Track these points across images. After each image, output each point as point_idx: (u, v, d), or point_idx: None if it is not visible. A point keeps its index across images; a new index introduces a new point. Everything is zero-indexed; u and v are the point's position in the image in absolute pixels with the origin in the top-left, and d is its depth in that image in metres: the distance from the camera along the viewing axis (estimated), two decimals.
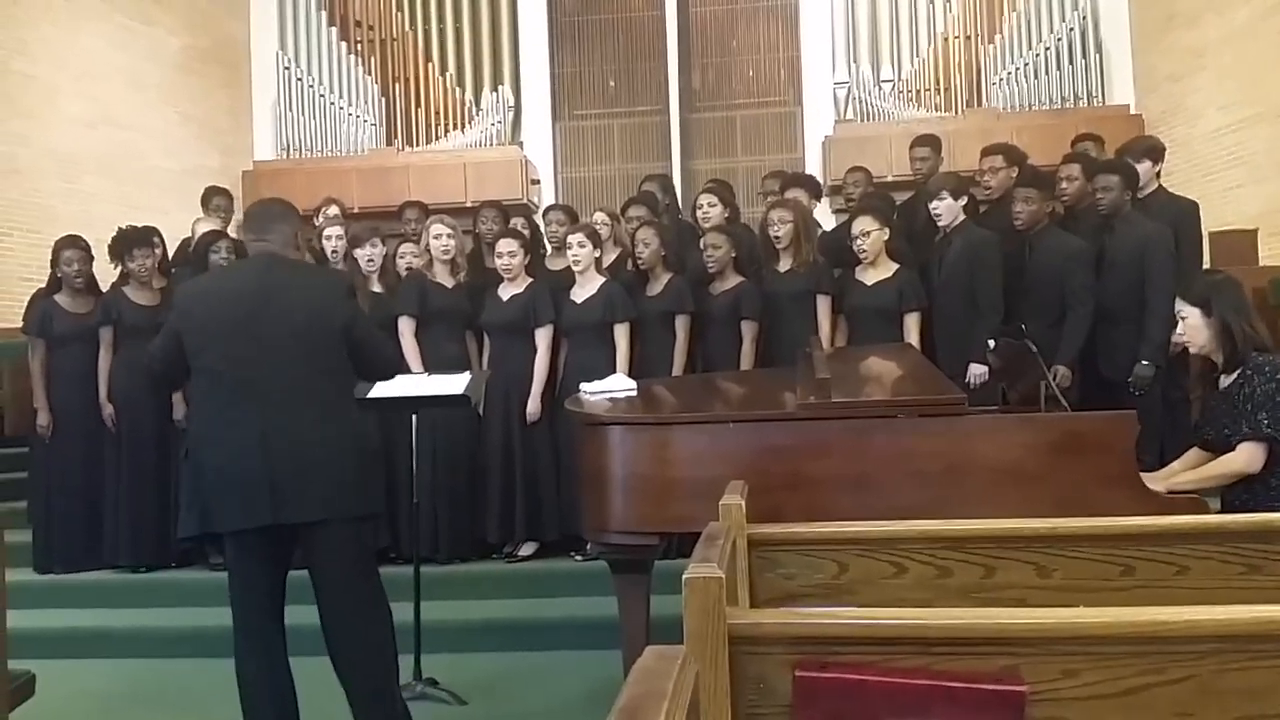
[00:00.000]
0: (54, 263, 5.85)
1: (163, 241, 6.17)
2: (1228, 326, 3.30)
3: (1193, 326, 3.39)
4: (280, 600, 3.43)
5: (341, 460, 3.30)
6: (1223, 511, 3.24)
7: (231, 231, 6.71)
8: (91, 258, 5.89)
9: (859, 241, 5.32)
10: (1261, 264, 6.57)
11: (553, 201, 9.29)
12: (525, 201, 9.66)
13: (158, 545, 5.68)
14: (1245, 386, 3.25)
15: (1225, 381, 3.36)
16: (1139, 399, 4.90)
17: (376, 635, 3.40)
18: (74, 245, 5.84)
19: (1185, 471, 3.39)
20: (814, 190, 6.43)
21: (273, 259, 3.44)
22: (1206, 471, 3.34)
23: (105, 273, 6.04)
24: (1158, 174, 5.57)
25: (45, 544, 5.76)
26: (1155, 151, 5.58)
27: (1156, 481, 3.25)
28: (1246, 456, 3.21)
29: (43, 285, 6.04)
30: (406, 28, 10.73)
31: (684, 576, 1.63)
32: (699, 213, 6.07)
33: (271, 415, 3.24)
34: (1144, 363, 5.05)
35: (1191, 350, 3.49)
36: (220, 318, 3.34)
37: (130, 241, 5.81)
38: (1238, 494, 3.29)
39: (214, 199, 7.18)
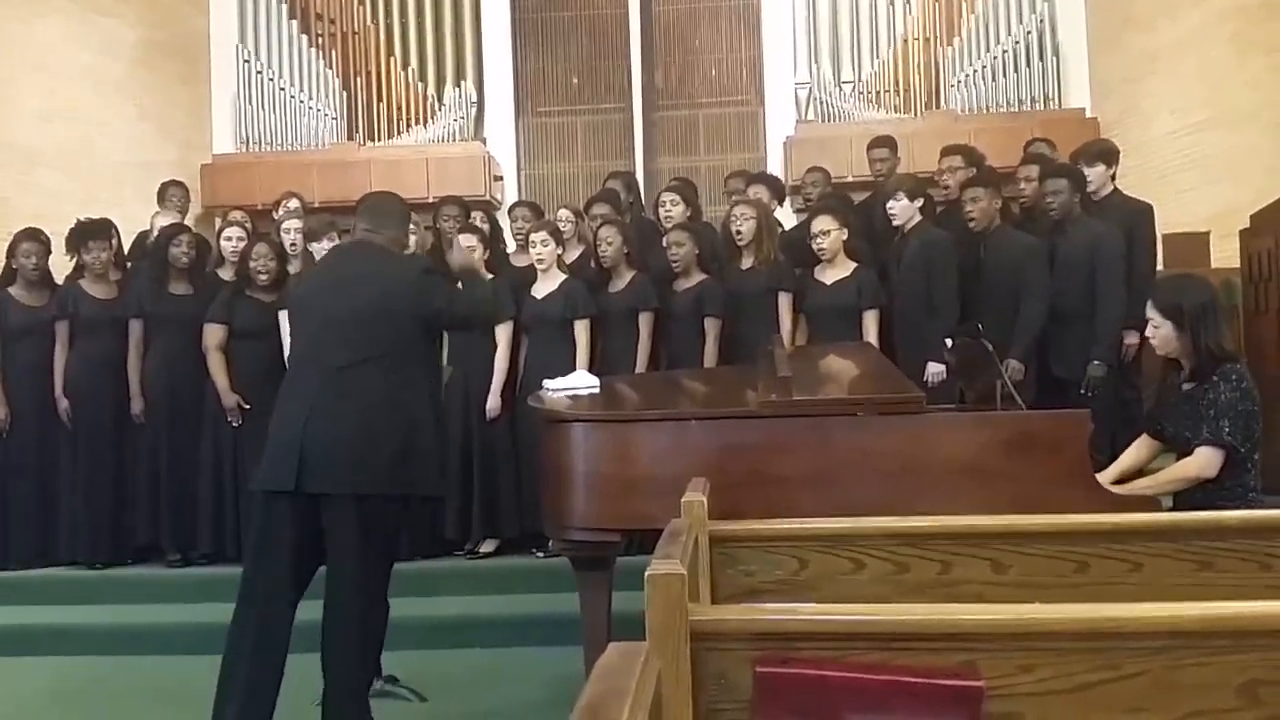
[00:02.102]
0: (9, 255, 5.77)
1: (119, 235, 6.10)
2: (1201, 343, 3.29)
3: (1164, 336, 3.38)
4: (294, 587, 3.48)
5: (369, 441, 3.39)
6: (1175, 509, 3.29)
7: (189, 224, 6.66)
8: (49, 251, 5.81)
9: (818, 240, 5.36)
10: (1214, 266, 6.64)
11: (515, 198, 9.25)
12: (488, 198, 9.61)
13: (114, 541, 5.64)
14: (1210, 392, 3.26)
15: (1189, 386, 3.37)
16: (1092, 398, 4.97)
17: (356, 627, 3.43)
18: (33, 238, 5.76)
19: (1142, 479, 3.43)
20: (777, 190, 6.47)
21: (358, 247, 3.72)
22: (1162, 477, 3.37)
23: (59, 265, 5.97)
24: (1112, 177, 5.64)
25: None
26: (1109, 155, 5.66)
27: (1109, 479, 3.30)
28: (1203, 461, 3.24)
29: None
30: (368, 22, 10.64)
31: (646, 573, 1.64)
32: (661, 211, 6.09)
33: (318, 394, 3.42)
34: (1096, 363, 5.13)
35: (1159, 352, 3.49)
36: (302, 299, 3.70)
37: (87, 234, 5.74)
38: (1192, 494, 3.33)
39: (170, 191, 7.10)
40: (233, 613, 3.47)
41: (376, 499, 3.41)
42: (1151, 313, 3.43)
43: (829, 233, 5.34)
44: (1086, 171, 5.48)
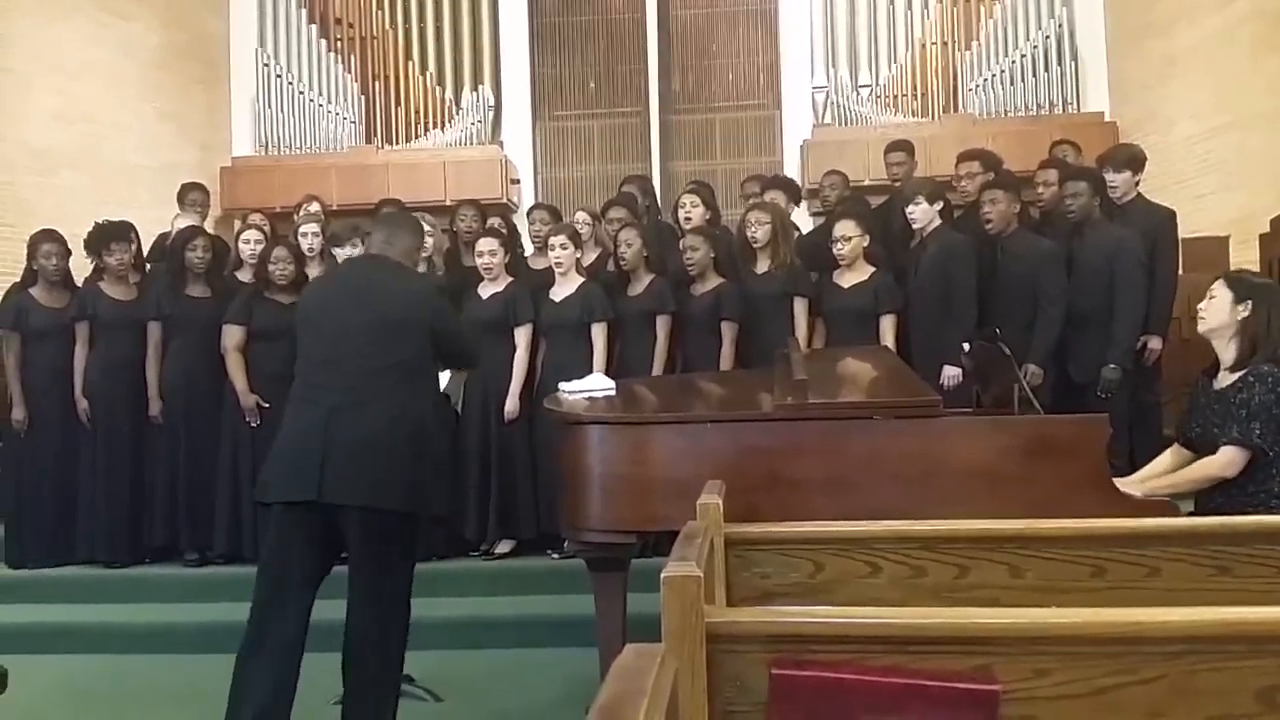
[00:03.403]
0: (30, 256, 5.80)
1: (138, 237, 6.14)
2: (1257, 323, 3.25)
3: (1217, 307, 3.33)
4: (311, 587, 3.48)
5: (390, 454, 3.39)
6: (1196, 513, 3.27)
7: (208, 226, 6.69)
8: (69, 252, 5.84)
9: (839, 245, 5.35)
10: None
11: (532, 201, 9.28)
12: (505, 201, 9.64)
13: (131, 541, 5.67)
14: (1244, 392, 3.23)
15: (1223, 381, 3.33)
16: (1108, 402, 4.95)
17: (376, 631, 3.45)
18: (52, 239, 5.79)
19: (1162, 476, 3.41)
20: (793, 193, 6.47)
21: (374, 260, 3.69)
22: (1184, 475, 3.34)
23: (79, 268, 6.00)
24: (1137, 183, 5.62)
25: (18, 539, 5.72)
26: (1137, 162, 5.63)
27: (1132, 485, 3.27)
28: (1226, 460, 3.22)
29: (14, 279, 5.99)
30: (387, 26, 10.69)
31: (663, 575, 1.65)
32: (681, 212, 6.08)
33: (337, 403, 3.41)
34: (1111, 366, 5.11)
35: (1201, 328, 3.41)
36: (314, 310, 3.65)
37: (107, 236, 5.77)
38: (1214, 497, 3.30)
39: (190, 194, 7.14)
40: (249, 612, 3.48)
41: (392, 514, 3.42)
42: (1215, 285, 3.37)
43: (850, 239, 5.34)
44: (1114, 177, 5.46)
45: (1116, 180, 5.46)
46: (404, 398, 3.47)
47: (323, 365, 3.51)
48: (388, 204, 6.90)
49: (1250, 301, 3.28)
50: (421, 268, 5.51)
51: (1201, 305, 3.42)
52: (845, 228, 5.38)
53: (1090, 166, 5.60)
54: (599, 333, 5.45)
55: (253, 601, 3.48)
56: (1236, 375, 3.29)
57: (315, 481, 3.34)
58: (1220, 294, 3.34)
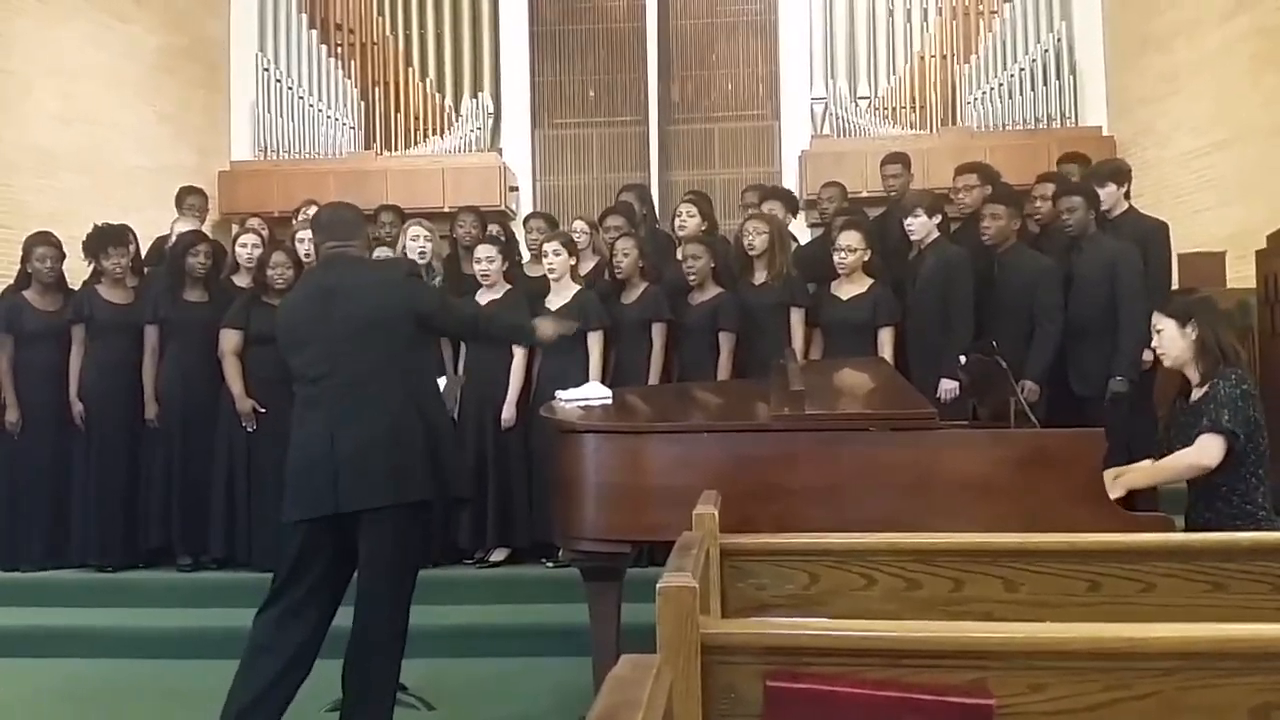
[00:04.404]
0: (24, 258, 5.79)
1: (137, 240, 6.13)
2: (1206, 338, 3.38)
3: (1168, 338, 3.46)
4: (331, 600, 3.50)
5: (401, 450, 3.40)
6: (1187, 530, 3.29)
7: (206, 229, 6.68)
8: (63, 255, 5.83)
9: (841, 254, 5.36)
10: (1229, 286, 6.62)
11: (530, 209, 9.28)
12: (503, 208, 9.65)
13: (125, 545, 5.65)
14: (1210, 390, 3.33)
15: (1195, 395, 3.41)
16: (1106, 414, 4.95)
17: (384, 633, 3.44)
18: (46, 242, 5.78)
19: (1139, 468, 3.46)
20: (791, 205, 6.47)
21: (334, 260, 3.64)
22: (1162, 464, 3.42)
23: (75, 270, 6.00)
24: (1126, 195, 5.64)
25: (11, 542, 5.69)
26: (1120, 174, 5.67)
27: (1108, 480, 3.28)
28: (1202, 447, 3.29)
29: (11, 281, 5.99)
30: (387, 32, 10.70)
31: (658, 585, 1.65)
32: (677, 221, 6.09)
33: (340, 413, 3.41)
34: (1118, 379, 5.12)
35: (1166, 363, 3.55)
36: (295, 324, 3.60)
37: (106, 239, 5.76)
38: (1200, 512, 3.35)
39: (188, 198, 7.12)
40: (260, 617, 3.46)
41: (410, 508, 3.42)
42: (1157, 318, 3.53)
43: (855, 250, 5.34)
44: (1100, 192, 5.48)
45: (1102, 195, 5.48)
46: (403, 391, 3.47)
47: (318, 379, 3.49)
48: (385, 210, 6.89)
49: (1193, 320, 3.43)
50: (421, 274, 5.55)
51: (1154, 343, 3.57)
52: (850, 238, 5.39)
53: (1085, 182, 5.62)
54: (595, 341, 5.44)
55: (266, 604, 3.47)
56: (1206, 386, 3.39)
57: (330, 495, 3.35)
58: (1166, 325, 3.48)
